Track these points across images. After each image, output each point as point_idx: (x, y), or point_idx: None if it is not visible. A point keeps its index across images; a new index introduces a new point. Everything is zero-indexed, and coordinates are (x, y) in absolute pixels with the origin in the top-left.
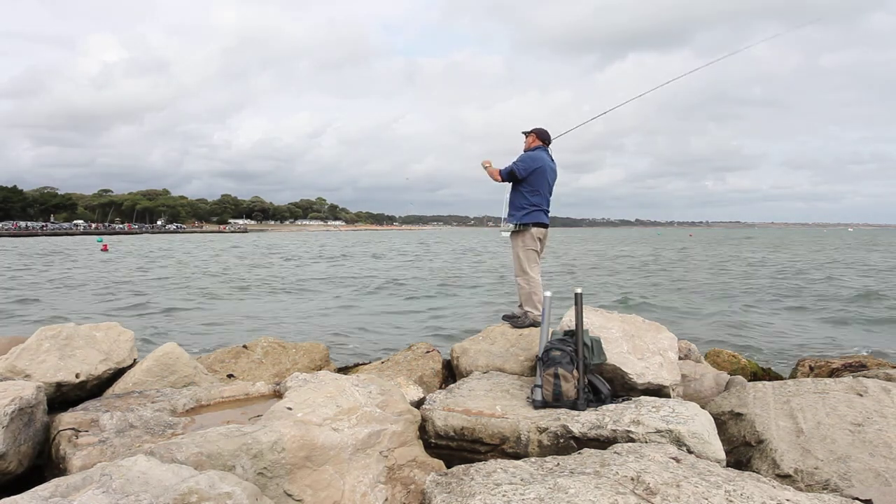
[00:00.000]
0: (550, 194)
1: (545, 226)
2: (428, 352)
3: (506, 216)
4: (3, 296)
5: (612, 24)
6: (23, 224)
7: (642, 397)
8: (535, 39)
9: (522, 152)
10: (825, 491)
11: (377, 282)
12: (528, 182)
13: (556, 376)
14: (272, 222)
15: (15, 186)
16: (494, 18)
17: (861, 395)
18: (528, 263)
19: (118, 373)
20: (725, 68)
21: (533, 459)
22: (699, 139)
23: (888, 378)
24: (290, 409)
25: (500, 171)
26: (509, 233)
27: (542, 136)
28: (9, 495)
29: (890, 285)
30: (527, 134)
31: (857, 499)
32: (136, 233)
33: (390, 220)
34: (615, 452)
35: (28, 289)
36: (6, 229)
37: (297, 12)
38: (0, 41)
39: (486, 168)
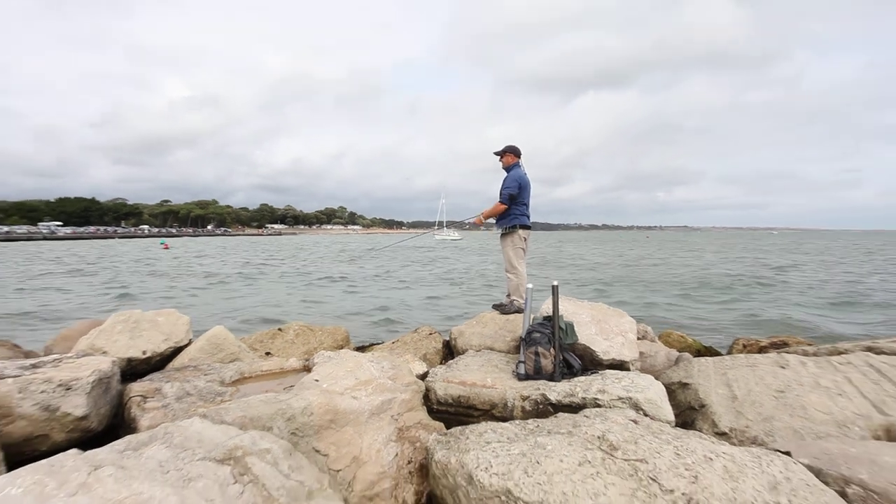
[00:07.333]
0: (530, 202)
1: (528, 227)
2: (430, 334)
3: (496, 222)
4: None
5: (575, 68)
6: (101, 228)
7: (607, 371)
8: (514, 80)
9: (503, 170)
10: (754, 445)
11: (385, 276)
12: (518, 195)
13: (537, 354)
14: (302, 227)
15: (94, 198)
16: (481, 63)
17: (783, 368)
18: (516, 260)
19: (177, 350)
20: (665, 103)
21: (517, 422)
22: (650, 159)
23: (805, 353)
24: (317, 380)
25: (500, 201)
26: (443, 237)
27: (517, 153)
28: (91, 448)
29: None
30: (501, 154)
31: (778, 451)
32: (191, 235)
33: (399, 224)
34: (585, 416)
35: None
36: (88, 232)
37: (325, 57)
38: (90, 81)
39: (487, 215)
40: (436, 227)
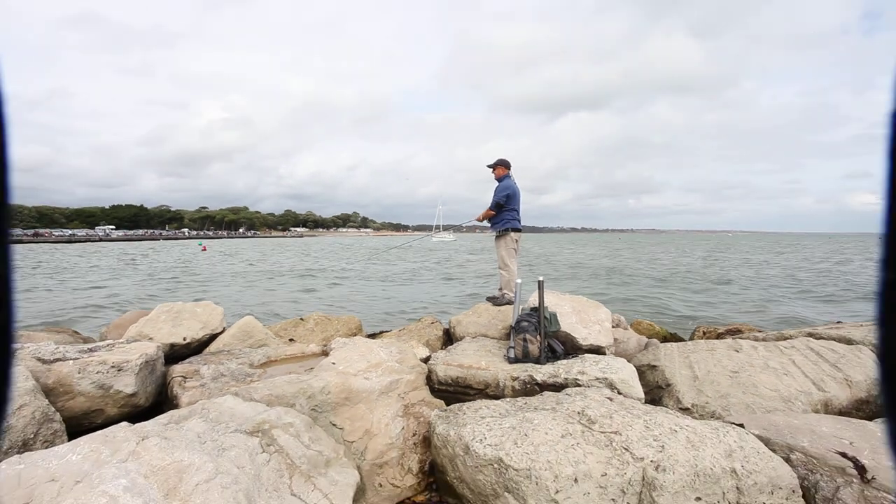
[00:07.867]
0: (520, 208)
1: (519, 230)
2: (433, 322)
3: (491, 225)
4: None
5: (557, 93)
6: (148, 231)
7: (586, 355)
8: (504, 102)
9: (495, 180)
10: (712, 419)
11: (391, 274)
12: (506, 203)
13: (525, 340)
14: (321, 230)
15: (142, 206)
16: (476, 88)
17: (737, 351)
18: (508, 258)
19: (212, 337)
20: (634, 123)
21: (508, 399)
22: (622, 171)
23: (756, 339)
24: (334, 363)
25: (490, 207)
26: (440, 239)
27: (507, 165)
28: (139, 421)
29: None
30: (493, 167)
31: (733, 423)
32: (226, 237)
33: (405, 227)
34: (566, 394)
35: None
36: (137, 235)
37: (342, 83)
38: (140, 105)
39: (481, 218)
40: (434, 230)
